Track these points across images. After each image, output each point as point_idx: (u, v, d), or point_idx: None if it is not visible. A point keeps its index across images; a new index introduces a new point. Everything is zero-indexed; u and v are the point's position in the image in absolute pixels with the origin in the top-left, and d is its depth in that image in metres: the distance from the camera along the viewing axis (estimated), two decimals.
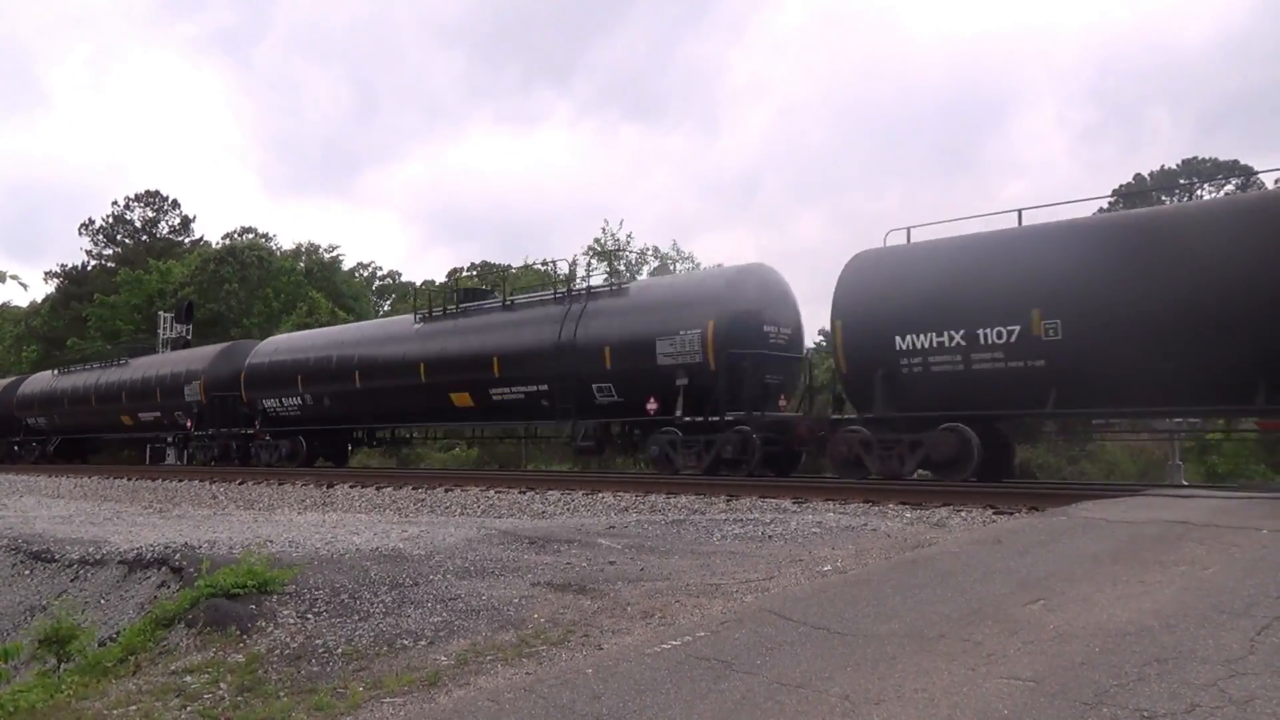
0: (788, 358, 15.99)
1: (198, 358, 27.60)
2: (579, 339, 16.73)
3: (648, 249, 34.75)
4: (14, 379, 38.37)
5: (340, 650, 4.71)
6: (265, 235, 55.36)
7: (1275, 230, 10.49)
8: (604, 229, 35.51)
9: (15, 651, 6.06)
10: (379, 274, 58.70)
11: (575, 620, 5.08)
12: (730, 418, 14.73)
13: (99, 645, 5.91)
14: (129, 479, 23.33)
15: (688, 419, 15.25)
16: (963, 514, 9.67)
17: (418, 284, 50.74)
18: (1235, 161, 36.31)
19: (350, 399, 21.85)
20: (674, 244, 54.20)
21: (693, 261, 33.40)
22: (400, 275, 58.73)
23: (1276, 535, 6.08)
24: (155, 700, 4.31)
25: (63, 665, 5.51)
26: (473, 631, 4.96)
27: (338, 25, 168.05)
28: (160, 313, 39.40)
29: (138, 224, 56.78)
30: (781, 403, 15.89)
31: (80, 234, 56.55)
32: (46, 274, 56.69)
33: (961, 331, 12.32)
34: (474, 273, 46.25)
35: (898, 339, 12.87)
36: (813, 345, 20.01)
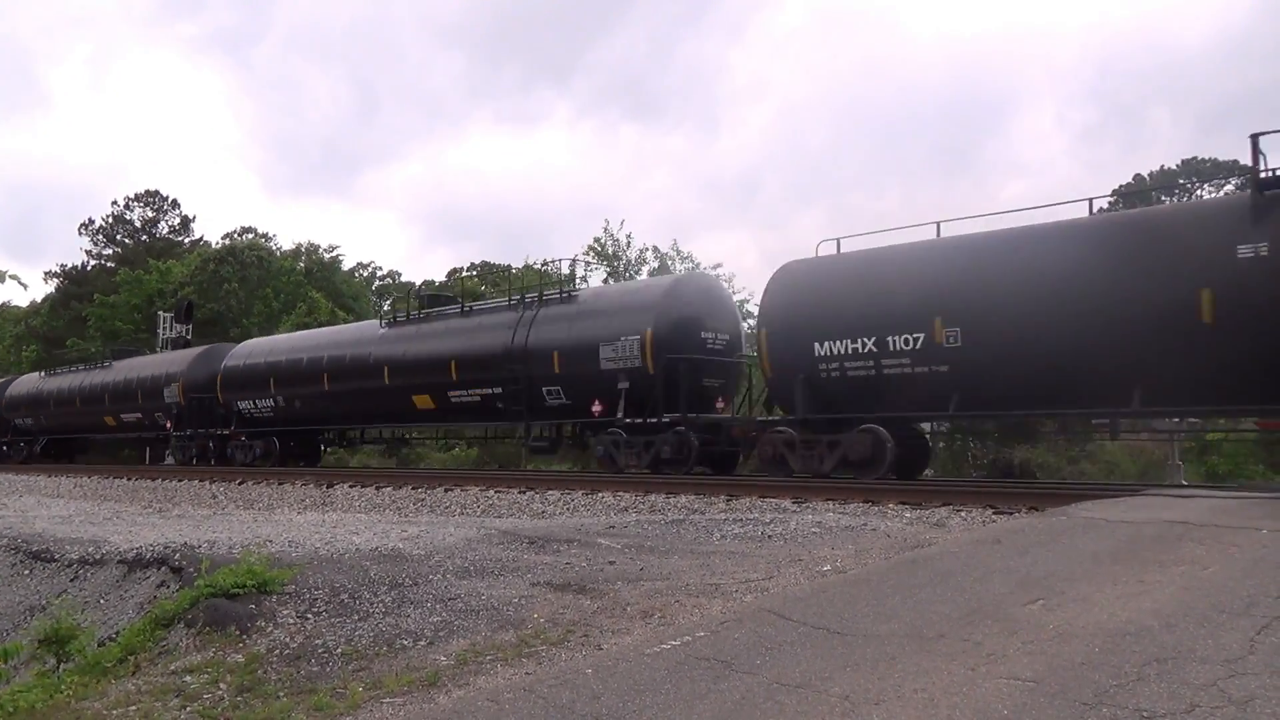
0: (726, 362, 16.72)
1: (177, 360, 28.39)
2: (530, 344, 17.65)
3: (646, 249, 34.72)
4: (2, 381, 38.78)
5: (340, 650, 4.71)
6: (265, 235, 55.31)
7: (1093, 249, 11.60)
8: (605, 229, 35.47)
9: (15, 651, 6.07)
10: (379, 274, 58.68)
11: (575, 620, 5.08)
12: (667, 419, 15.51)
13: (98, 645, 5.91)
14: (128, 479, 23.33)
15: (629, 420, 16.02)
16: (962, 514, 9.66)
17: (417, 284, 50.83)
18: (1235, 161, 36.31)
19: (319, 401, 22.76)
20: (674, 243, 54.17)
21: (692, 261, 33.39)
22: (400, 275, 58.71)
23: (1276, 535, 6.08)
24: (155, 700, 4.31)
25: (62, 665, 5.51)
26: (472, 631, 4.96)
27: (338, 25, 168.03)
28: (160, 313, 39.41)
29: (137, 224, 56.78)
30: (719, 405, 16.57)
31: (80, 234, 56.58)
32: (46, 274, 56.78)
33: (873, 339, 13.12)
34: (473, 273, 46.26)
35: (816, 346, 13.67)
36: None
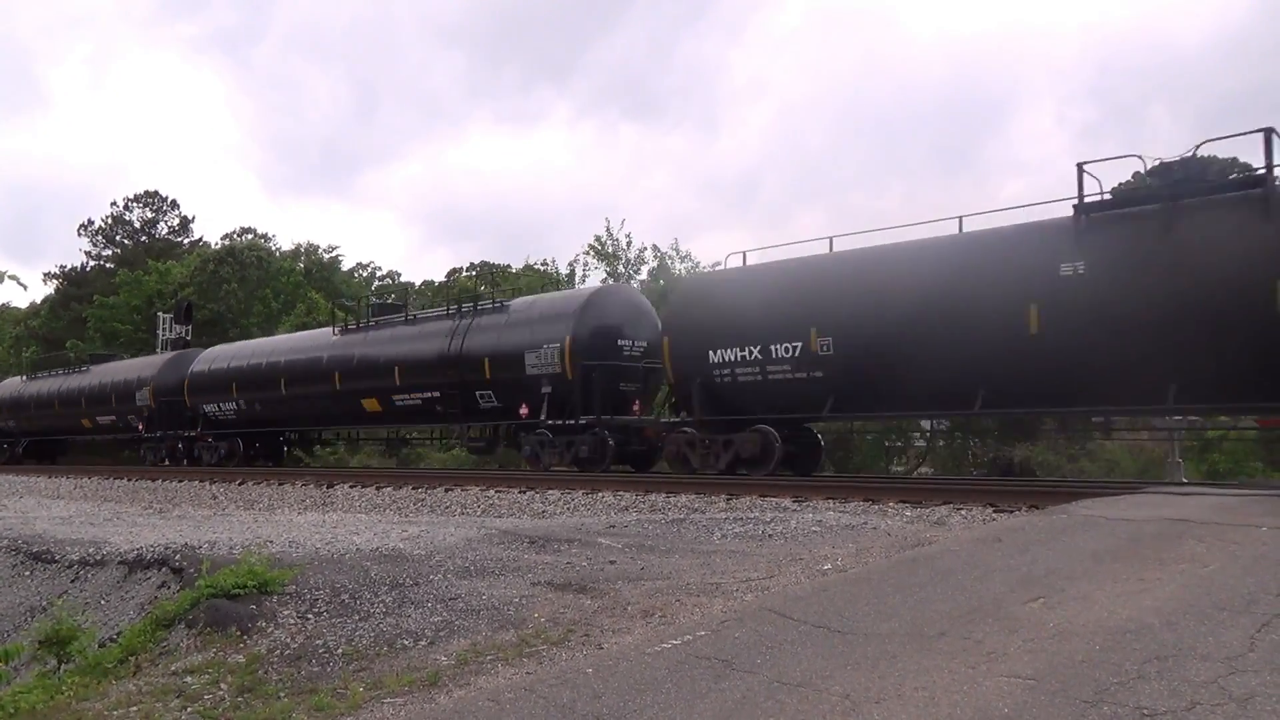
0: (643, 367, 17.73)
1: (148, 365, 29.76)
2: (464, 351, 18.92)
3: (644, 248, 34.66)
4: None
5: (340, 650, 4.71)
6: (265, 236, 55.23)
7: (945, 265, 12.72)
8: (607, 228, 35.42)
9: (16, 652, 6.06)
10: (378, 274, 58.64)
11: (575, 620, 5.08)
12: (584, 421, 16.66)
13: (99, 646, 5.90)
14: (129, 479, 23.34)
15: (551, 422, 17.23)
16: (963, 512, 9.66)
17: (417, 284, 50.80)
18: (1234, 159, 36.27)
19: (277, 404, 24.14)
20: (675, 242, 54.13)
21: (692, 261, 33.35)
22: (400, 275, 58.68)
23: (1276, 533, 6.08)
24: (156, 701, 4.31)
25: (63, 666, 5.51)
26: (473, 631, 4.96)
27: (337, 25, 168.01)
28: (159, 314, 39.35)
29: (137, 225, 56.75)
30: (636, 407, 17.59)
31: (79, 235, 56.59)
32: (46, 275, 56.71)
33: (759, 347, 14.28)
34: (473, 273, 46.25)
35: (711, 353, 14.80)
36: None
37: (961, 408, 12.67)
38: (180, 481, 21.44)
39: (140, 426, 28.75)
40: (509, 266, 42.92)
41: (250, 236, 54.09)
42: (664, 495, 12.55)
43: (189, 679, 4.52)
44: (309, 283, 46.23)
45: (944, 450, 25.20)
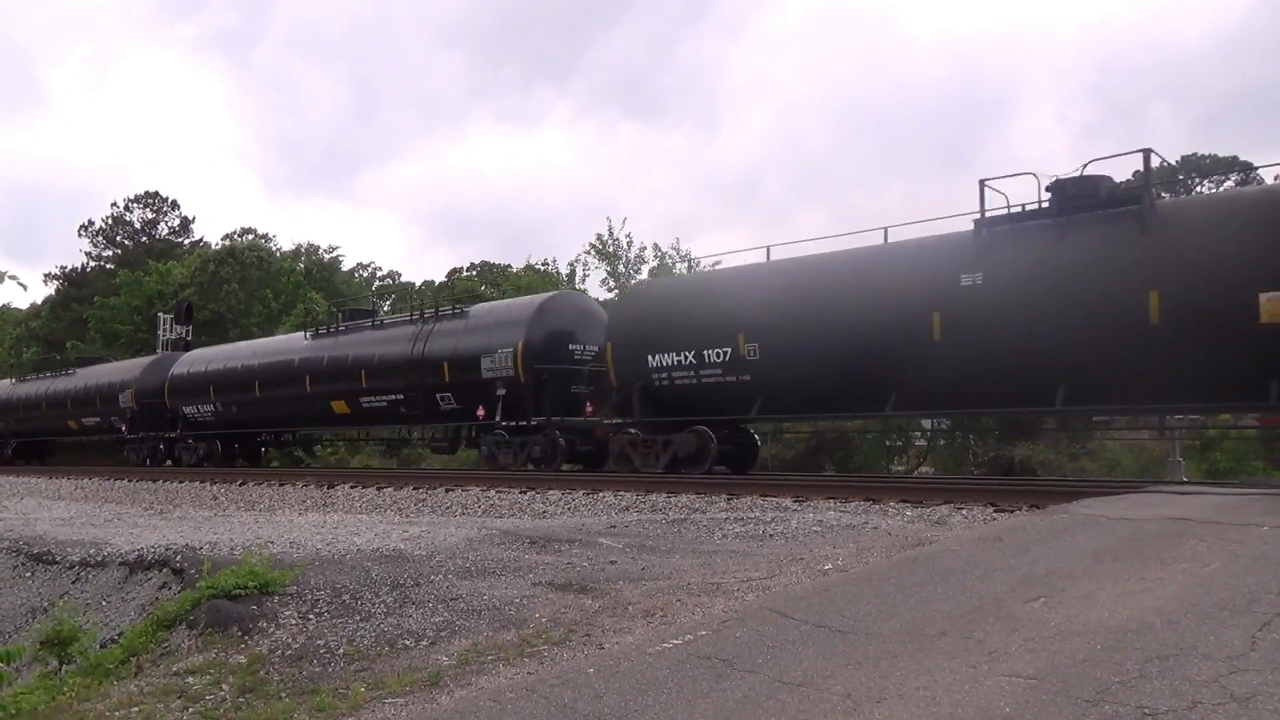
0: (594, 371, 18.24)
1: (131, 369, 30.61)
2: (426, 355, 19.67)
3: (644, 248, 34.64)
4: None
5: (342, 651, 4.72)
6: (265, 236, 55.24)
7: (860, 276, 13.40)
8: (609, 227, 35.40)
9: (17, 653, 6.05)
10: (379, 274, 58.65)
11: (577, 620, 5.08)
12: (535, 422, 17.46)
13: (100, 647, 5.90)
14: (129, 480, 23.35)
15: (505, 423, 18.04)
16: (964, 512, 9.65)
17: (417, 284, 50.79)
18: (1235, 158, 36.31)
19: (252, 406, 24.96)
20: (676, 240, 54.10)
21: (692, 260, 33.34)
22: (400, 275, 58.69)
23: (1277, 532, 6.08)
24: (157, 702, 4.31)
25: (64, 667, 5.50)
26: (474, 631, 4.96)
27: (337, 25, 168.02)
28: (160, 314, 39.36)
29: (137, 225, 56.73)
30: (589, 409, 18.28)
31: (80, 235, 56.61)
32: (46, 276, 56.73)
33: (693, 352, 15.03)
34: (473, 272, 46.23)
35: (650, 358, 15.55)
36: None
37: (875, 410, 13.48)
38: (181, 482, 21.45)
39: (123, 428, 29.63)
40: (509, 266, 42.92)
41: (250, 237, 54.11)
42: (665, 495, 12.54)
43: (190, 679, 4.52)
44: (309, 283, 46.20)
45: (945, 450, 25.19)
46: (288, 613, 5.29)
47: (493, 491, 14.63)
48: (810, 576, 5.96)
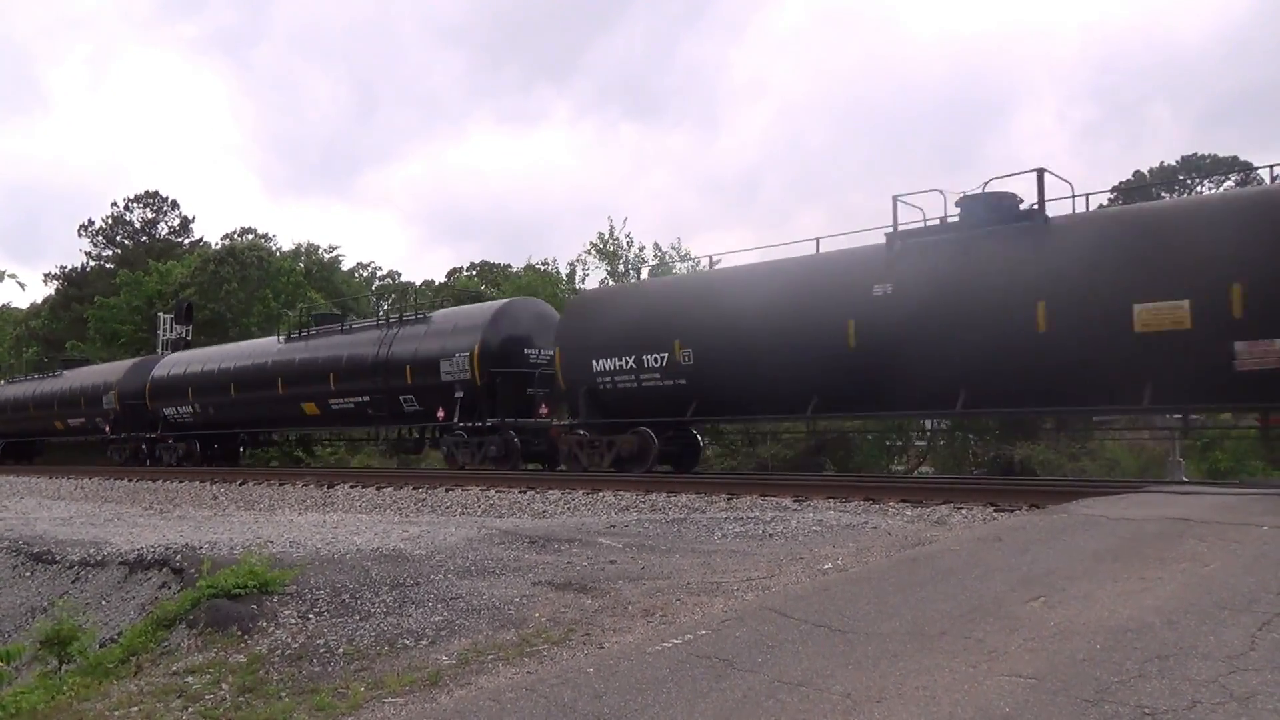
0: (548, 374, 18.66)
1: (114, 371, 31.36)
2: (389, 358, 20.42)
3: (644, 247, 34.62)
4: None
5: (341, 650, 4.72)
6: (265, 236, 55.21)
7: (786, 285, 14.05)
8: (609, 226, 35.38)
9: (17, 653, 6.06)
10: (379, 274, 58.65)
11: (576, 619, 5.08)
12: (490, 423, 18.17)
13: (100, 646, 5.91)
14: (129, 480, 23.37)
15: (464, 424, 18.69)
16: (963, 511, 9.65)
17: (417, 284, 50.80)
18: (1235, 157, 36.30)
19: (228, 407, 25.84)
20: (677, 240, 54.08)
21: (692, 260, 33.33)
22: (400, 275, 58.70)
23: (1277, 532, 6.08)
24: (157, 701, 4.31)
25: (64, 666, 5.50)
26: (474, 631, 4.96)
27: (337, 25, 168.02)
28: (160, 314, 39.34)
29: (137, 225, 56.72)
30: (543, 410, 18.94)
31: (80, 235, 56.60)
32: (46, 276, 56.73)
33: (634, 357, 15.68)
34: (473, 272, 46.22)
35: (594, 362, 16.19)
36: None
37: (798, 412, 14.22)
38: (181, 482, 21.46)
39: (107, 429, 30.48)
40: (509, 266, 42.90)
41: (251, 236, 54.09)
42: (664, 495, 12.55)
43: (190, 679, 4.53)
44: (309, 283, 46.18)
45: (944, 449, 25.21)
46: (287, 612, 5.29)
47: (492, 491, 14.63)
48: (810, 576, 5.96)
